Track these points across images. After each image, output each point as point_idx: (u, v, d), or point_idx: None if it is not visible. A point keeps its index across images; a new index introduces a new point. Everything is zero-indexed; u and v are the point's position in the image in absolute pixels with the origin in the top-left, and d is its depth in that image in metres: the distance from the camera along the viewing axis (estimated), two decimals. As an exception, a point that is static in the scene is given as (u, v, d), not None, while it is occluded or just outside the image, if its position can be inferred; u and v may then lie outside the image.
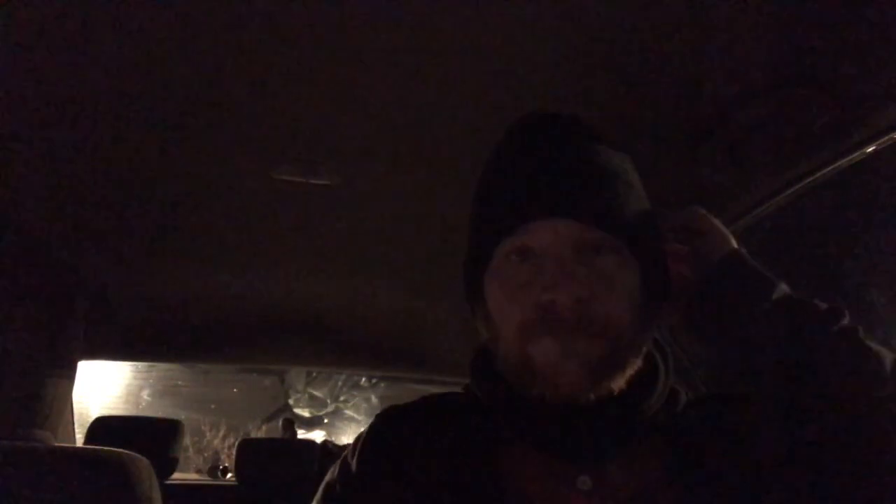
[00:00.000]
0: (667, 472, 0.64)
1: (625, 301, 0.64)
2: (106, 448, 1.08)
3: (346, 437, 8.01)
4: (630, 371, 0.64)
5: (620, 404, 0.64)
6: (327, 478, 0.75)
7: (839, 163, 0.97)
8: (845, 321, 0.68)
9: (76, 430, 2.35)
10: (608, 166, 0.68)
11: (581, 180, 0.65)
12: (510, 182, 0.68)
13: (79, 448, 1.25)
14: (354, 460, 0.72)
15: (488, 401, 0.70)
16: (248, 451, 2.58)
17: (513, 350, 0.65)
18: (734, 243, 0.76)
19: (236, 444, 2.63)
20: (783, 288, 0.71)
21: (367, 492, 0.69)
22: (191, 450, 8.25)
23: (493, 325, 0.68)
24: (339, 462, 0.75)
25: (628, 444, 0.65)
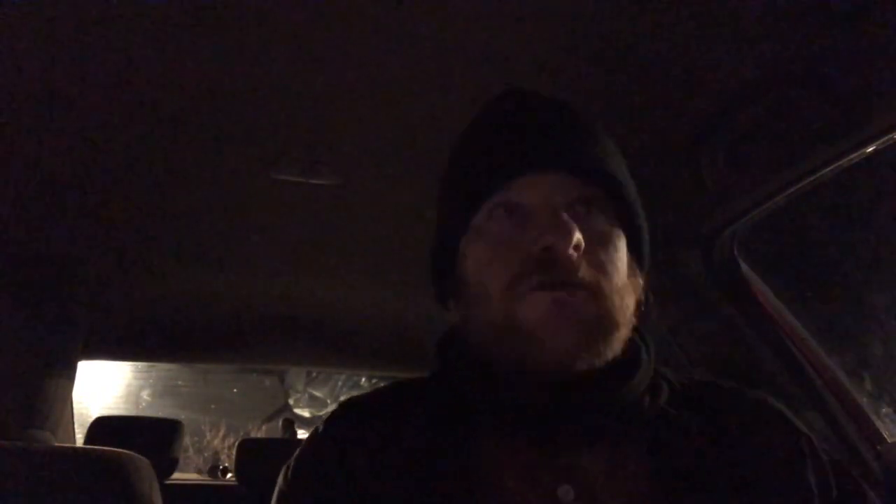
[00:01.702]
0: (653, 483, 0.59)
1: (617, 262, 0.61)
2: (106, 448, 1.08)
3: (347, 438, 7.97)
4: (621, 340, 0.60)
5: (604, 378, 0.59)
6: (279, 482, 0.67)
7: (839, 163, 0.97)
8: None
9: (76, 430, 2.35)
10: (594, 127, 0.65)
11: (569, 133, 0.62)
12: (495, 140, 0.63)
13: (79, 448, 1.25)
14: (308, 462, 0.66)
15: (458, 387, 0.64)
16: (248, 451, 2.58)
17: (497, 313, 0.59)
18: None
19: (236, 444, 2.63)
20: None
21: (324, 498, 0.62)
22: (191, 450, 8.23)
23: (470, 293, 0.63)
24: (291, 464, 0.67)
25: (611, 432, 0.61)
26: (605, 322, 0.59)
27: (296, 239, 1.58)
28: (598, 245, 0.60)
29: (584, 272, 0.58)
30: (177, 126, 1.12)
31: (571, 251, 0.57)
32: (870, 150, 0.93)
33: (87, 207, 1.39)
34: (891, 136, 0.90)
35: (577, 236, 0.57)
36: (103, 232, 1.51)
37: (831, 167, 0.99)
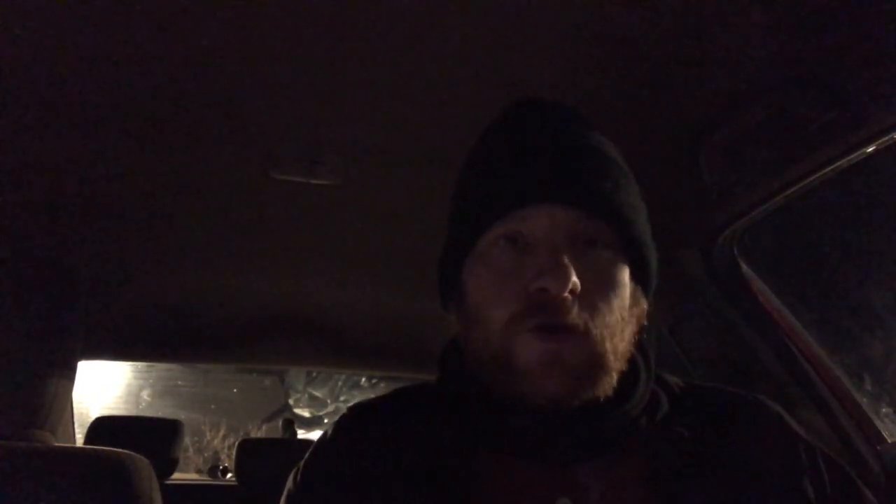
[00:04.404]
0: (650, 497, 0.60)
1: (615, 301, 0.61)
2: (106, 448, 1.08)
3: (346, 438, 7.94)
4: (611, 380, 0.61)
5: (601, 406, 0.61)
6: (289, 485, 0.68)
7: (839, 163, 0.97)
8: None
9: (76, 430, 2.35)
10: (606, 153, 0.64)
11: (581, 165, 0.62)
12: (503, 164, 0.63)
13: (79, 448, 1.25)
14: (317, 465, 0.67)
15: (460, 400, 0.66)
16: (248, 451, 2.58)
17: (493, 344, 0.61)
18: None
19: (236, 444, 2.63)
20: None
21: (331, 499, 0.64)
22: (191, 450, 8.23)
23: (470, 316, 0.64)
24: (301, 466, 0.69)
25: (608, 448, 0.62)
26: (594, 366, 0.60)
27: (296, 239, 1.58)
28: (596, 284, 0.60)
29: (577, 315, 0.58)
30: (177, 127, 1.12)
31: (566, 294, 0.58)
32: (870, 150, 0.93)
33: (87, 207, 1.39)
34: (891, 136, 0.90)
35: (573, 280, 0.58)
36: (104, 232, 1.51)
37: (831, 167, 0.99)
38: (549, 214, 0.60)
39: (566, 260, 0.58)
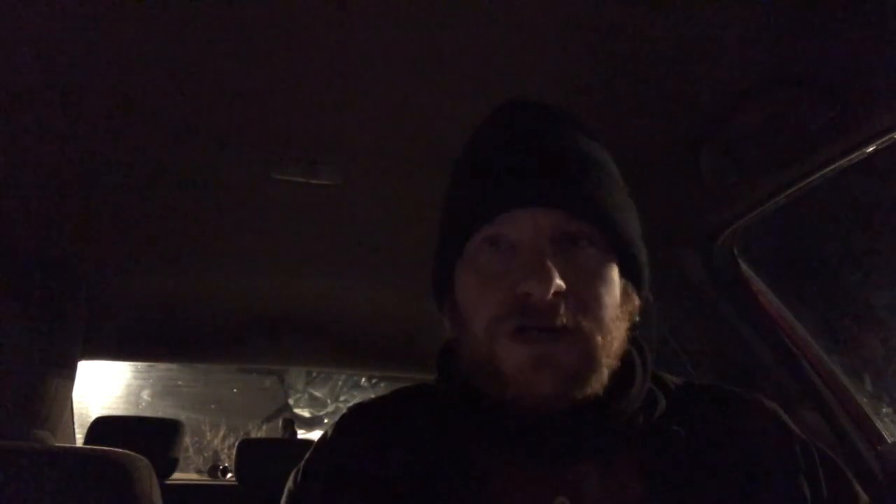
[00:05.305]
0: (646, 495, 0.61)
1: (604, 297, 0.61)
2: (106, 448, 1.08)
3: (346, 438, 7.93)
4: (602, 378, 0.60)
5: (595, 407, 0.60)
6: (289, 485, 0.70)
7: (839, 163, 0.97)
8: None
9: (76, 430, 2.35)
10: (589, 154, 0.64)
11: (563, 169, 0.62)
12: (487, 170, 0.64)
13: (79, 448, 1.25)
14: (317, 465, 0.68)
15: (457, 403, 0.66)
16: (248, 451, 2.58)
17: (480, 348, 0.61)
18: None
19: (236, 444, 2.63)
20: None
21: (332, 499, 0.64)
22: (191, 450, 8.23)
23: (459, 319, 0.64)
24: (301, 466, 0.70)
25: (605, 449, 0.62)
26: (584, 366, 0.59)
27: (296, 239, 1.58)
28: (583, 283, 0.60)
29: (565, 316, 0.58)
30: (177, 127, 1.12)
31: (551, 297, 0.57)
32: (870, 150, 0.93)
33: (87, 207, 1.39)
34: (891, 136, 0.90)
35: (557, 282, 0.57)
36: (103, 232, 1.51)
37: (831, 167, 0.99)
38: (531, 217, 0.61)
39: (549, 263, 0.58)
